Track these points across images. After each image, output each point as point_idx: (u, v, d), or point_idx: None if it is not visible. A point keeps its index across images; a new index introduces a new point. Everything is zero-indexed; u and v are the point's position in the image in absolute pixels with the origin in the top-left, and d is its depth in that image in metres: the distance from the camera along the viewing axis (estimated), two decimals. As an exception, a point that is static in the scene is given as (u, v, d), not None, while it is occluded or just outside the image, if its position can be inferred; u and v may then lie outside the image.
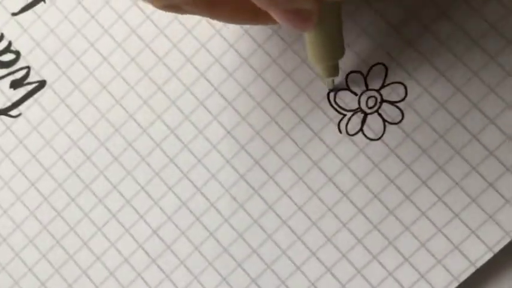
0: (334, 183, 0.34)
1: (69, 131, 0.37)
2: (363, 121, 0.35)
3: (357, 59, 0.35)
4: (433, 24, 0.34)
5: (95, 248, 0.36)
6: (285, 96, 0.35)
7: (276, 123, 0.35)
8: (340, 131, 0.35)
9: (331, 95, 0.35)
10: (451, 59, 0.34)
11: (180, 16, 0.36)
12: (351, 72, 0.35)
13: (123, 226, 0.36)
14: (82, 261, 0.36)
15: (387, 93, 0.34)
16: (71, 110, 0.37)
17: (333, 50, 0.31)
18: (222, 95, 0.36)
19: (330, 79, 0.34)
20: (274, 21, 0.26)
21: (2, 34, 0.38)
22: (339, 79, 0.35)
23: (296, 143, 0.35)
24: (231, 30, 0.36)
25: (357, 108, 0.35)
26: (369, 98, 0.35)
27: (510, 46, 0.33)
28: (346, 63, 0.35)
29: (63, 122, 0.37)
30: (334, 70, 0.33)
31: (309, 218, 0.35)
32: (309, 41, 0.30)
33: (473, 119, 0.33)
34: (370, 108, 0.35)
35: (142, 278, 0.36)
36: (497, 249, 0.33)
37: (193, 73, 0.36)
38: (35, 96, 0.37)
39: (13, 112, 0.38)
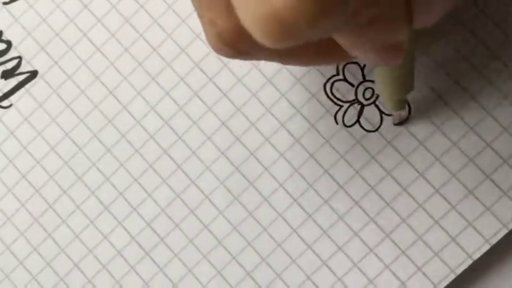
0: (330, 175, 0.35)
1: (61, 122, 0.37)
2: (360, 112, 0.35)
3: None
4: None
5: (87, 240, 0.36)
6: (281, 87, 0.35)
7: (272, 114, 0.35)
8: (336, 123, 0.35)
9: (328, 85, 0.35)
10: (449, 51, 0.34)
11: (174, 5, 0.36)
12: (348, 62, 0.35)
13: (115, 218, 0.36)
14: (74, 254, 0.36)
15: (384, 84, 0.34)
16: (63, 100, 0.37)
17: (404, 83, 0.31)
18: (216, 86, 0.36)
19: (397, 113, 0.33)
20: (350, 58, 0.26)
21: (-7, 23, 0.38)
22: (335, 73, 0.35)
23: (292, 135, 0.35)
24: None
25: (354, 100, 0.35)
26: (366, 89, 0.35)
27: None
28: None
29: (55, 113, 0.37)
30: (402, 104, 0.32)
31: (305, 211, 0.35)
32: (381, 73, 0.30)
33: (470, 110, 0.34)
34: (367, 99, 0.35)
35: (136, 271, 0.36)
36: (494, 241, 0.33)
37: (188, 64, 0.36)
38: (27, 86, 0.37)
39: (4, 103, 0.38)
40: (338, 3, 0.17)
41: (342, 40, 0.22)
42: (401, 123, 0.34)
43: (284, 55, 0.25)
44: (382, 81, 0.31)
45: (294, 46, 0.18)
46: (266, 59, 0.26)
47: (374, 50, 0.23)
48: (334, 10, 0.17)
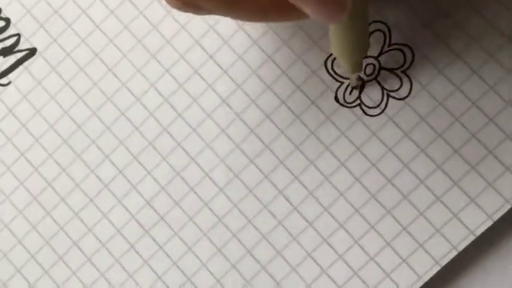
0: (332, 152, 0.35)
1: (60, 99, 0.37)
2: (361, 89, 0.35)
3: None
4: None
5: (86, 219, 0.37)
6: (281, 63, 0.35)
7: (272, 91, 0.35)
8: (337, 99, 0.35)
9: (329, 62, 0.35)
10: (450, 24, 0.34)
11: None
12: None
13: (115, 197, 0.36)
14: (73, 233, 0.37)
15: (385, 60, 0.34)
16: (62, 78, 0.37)
17: (360, 44, 0.31)
18: (217, 63, 0.36)
19: (354, 75, 0.34)
20: (300, 16, 0.26)
21: (-8, 1, 0.38)
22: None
23: (292, 112, 0.35)
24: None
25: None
26: (367, 65, 0.35)
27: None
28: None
29: (54, 90, 0.37)
30: (359, 65, 0.33)
31: (306, 188, 0.35)
32: (335, 34, 0.30)
33: (472, 85, 0.34)
34: (368, 75, 0.35)
35: (135, 249, 0.36)
36: (496, 216, 0.33)
37: (188, 41, 0.36)
38: (25, 64, 0.37)
39: (2, 80, 0.38)
40: None
41: None
42: (358, 86, 0.35)
43: (231, 7, 0.25)
44: (336, 42, 0.31)
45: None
46: (216, 12, 0.26)
47: (313, 3, 0.23)
48: None
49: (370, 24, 0.35)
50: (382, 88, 0.34)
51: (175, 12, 0.36)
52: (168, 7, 0.36)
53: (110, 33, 0.37)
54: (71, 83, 0.37)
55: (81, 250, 0.36)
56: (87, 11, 0.37)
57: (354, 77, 0.34)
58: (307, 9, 0.24)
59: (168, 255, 0.36)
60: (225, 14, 0.26)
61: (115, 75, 0.37)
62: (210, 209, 0.36)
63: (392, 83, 0.34)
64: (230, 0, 0.24)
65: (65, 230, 0.37)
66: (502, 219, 0.33)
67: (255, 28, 0.36)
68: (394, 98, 0.34)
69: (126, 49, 0.37)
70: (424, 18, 0.34)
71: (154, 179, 0.36)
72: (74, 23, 0.37)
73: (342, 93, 0.35)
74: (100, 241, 0.36)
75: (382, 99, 0.34)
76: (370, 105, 0.35)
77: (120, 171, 0.36)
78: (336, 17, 0.25)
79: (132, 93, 0.36)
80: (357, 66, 0.32)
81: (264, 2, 0.25)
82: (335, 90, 0.35)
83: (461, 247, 0.33)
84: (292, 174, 0.35)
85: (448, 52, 0.34)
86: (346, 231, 0.34)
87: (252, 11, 0.26)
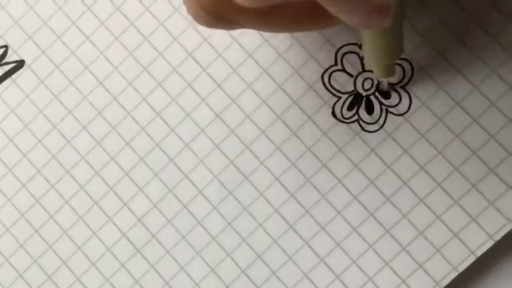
0: (329, 169, 0.34)
1: (49, 113, 0.37)
2: (359, 104, 0.34)
3: (353, 38, 0.34)
4: (435, 4, 0.34)
5: (75, 237, 0.36)
6: (277, 77, 0.35)
7: (267, 105, 0.35)
8: (334, 115, 0.35)
9: (326, 76, 0.35)
10: (451, 38, 0.34)
11: (166, -7, 0.36)
12: (346, 52, 0.35)
13: (105, 214, 0.36)
14: (62, 252, 0.36)
15: (384, 75, 0.34)
16: (50, 91, 0.37)
17: (395, 47, 0.30)
18: (210, 76, 0.35)
19: (386, 79, 0.33)
20: (332, 24, 0.25)
21: (-22, 11, 0.37)
22: (333, 64, 0.35)
23: (288, 127, 0.35)
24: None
25: (353, 91, 0.35)
26: (365, 79, 0.34)
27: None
28: (341, 43, 0.34)
29: (43, 104, 0.37)
30: (392, 69, 0.32)
31: (302, 206, 0.35)
32: (370, 39, 0.30)
33: (473, 101, 0.33)
34: (366, 90, 0.34)
35: (126, 268, 0.36)
36: (498, 236, 0.33)
37: (181, 53, 0.36)
38: (13, 76, 0.37)
39: (-11, 93, 0.37)
40: None
41: (326, 3, 0.22)
42: (388, 92, 0.34)
43: (264, 19, 0.24)
44: (371, 47, 0.30)
45: (274, 7, 0.17)
46: (247, 26, 0.25)
47: (361, 14, 0.23)
48: None
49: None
50: (381, 103, 0.34)
51: (168, 23, 0.36)
52: (188, 18, 0.35)
53: (100, 45, 0.36)
54: (60, 97, 0.37)
55: (70, 270, 0.36)
56: (76, 23, 0.37)
57: (385, 81, 0.33)
58: (352, 20, 0.24)
59: (159, 274, 0.35)
60: (258, 27, 0.26)
61: (106, 88, 0.36)
62: (204, 227, 0.35)
63: (391, 99, 0.34)
64: (265, 12, 0.24)
65: (53, 249, 0.36)
66: (504, 239, 0.33)
67: (250, 41, 0.35)
68: (393, 113, 0.34)
69: (117, 62, 0.36)
70: (424, 32, 0.34)
71: (146, 196, 0.36)
72: (64, 35, 0.37)
73: (340, 108, 0.35)
74: (90, 260, 0.36)
75: (380, 115, 0.34)
76: (368, 121, 0.34)
77: (111, 188, 0.36)
78: (382, 23, 0.24)
79: (123, 107, 0.36)
80: (391, 70, 0.32)
81: (300, 11, 0.25)
82: (332, 105, 0.35)
83: (461, 268, 0.33)
84: (288, 191, 0.35)
85: (448, 67, 0.34)
86: (343, 250, 0.34)
87: (286, 22, 0.25)
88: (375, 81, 0.34)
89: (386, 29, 0.28)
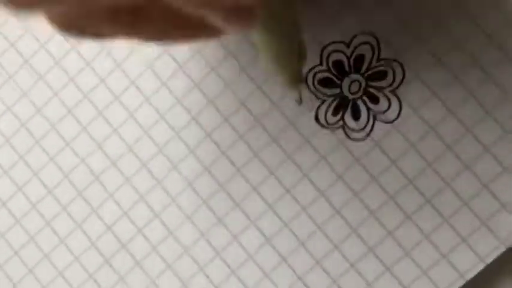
0: (310, 180, 0.34)
1: (17, 111, 0.37)
2: (344, 108, 0.34)
3: (339, 35, 0.34)
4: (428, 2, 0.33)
5: (42, 244, 0.36)
6: (256, 77, 0.34)
7: (246, 107, 0.34)
8: (318, 120, 0.34)
9: (310, 76, 0.34)
10: (446, 40, 0.32)
11: None
12: (333, 51, 0.34)
13: (74, 221, 0.36)
14: (27, 259, 0.36)
15: (373, 77, 0.33)
16: (20, 88, 0.37)
17: (290, 53, 0.29)
18: (187, 74, 0.35)
19: (295, 89, 0.32)
20: (209, 34, 0.25)
21: None
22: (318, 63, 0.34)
23: (268, 132, 0.34)
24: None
25: (338, 93, 0.34)
26: (352, 82, 0.34)
27: None
28: (328, 40, 0.34)
29: (11, 101, 0.37)
30: (297, 77, 0.30)
31: (281, 219, 0.34)
32: (261, 45, 0.29)
33: (468, 109, 0.32)
34: (353, 94, 0.34)
35: (94, 279, 0.36)
36: (489, 259, 0.32)
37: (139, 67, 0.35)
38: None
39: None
40: None
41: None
42: (300, 102, 0.33)
43: (129, 30, 0.24)
44: (267, 55, 0.29)
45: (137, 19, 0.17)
46: (118, 37, 0.24)
47: (216, 15, 0.22)
48: None
49: (356, 36, 0.33)
50: (368, 109, 0.33)
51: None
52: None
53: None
54: (29, 94, 0.36)
55: (36, 278, 0.36)
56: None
57: (295, 91, 0.32)
58: (213, 20, 0.23)
59: (129, 286, 0.35)
60: (128, 37, 0.25)
61: (76, 85, 0.36)
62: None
63: (379, 104, 0.33)
64: (131, 24, 0.24)
65: (19, 255, 0.36)
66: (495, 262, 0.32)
67: (230, 41, 0.34)
68: (381, 120, 0.33)
69: (90, 57, 0.36)
70: (417, 32, 0.33)
71: (116, 203, 0.35)
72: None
73: (324, 113, 0.34)
74: (56, 268, 0.36)
75: (367, 122, 0.33)
76: (354, 128, 0.33)
77: (80, 193, 0.36)
78: (245, 25, 0.24)
79: (95, 106, 0.36)
80: (296, 78, 0.30)
81: (166, 22, 0.24)
82: (315, 108, 0.34)
83: (469, 275, 0.32)
84: (266, 203, 0.34)
85: (442, 71, 0.33)
86: (324, 270, 0.34)
87: (154, 33, 0.25)
88: (363, 84, 0.33)
89: (277, 32, 0.27)
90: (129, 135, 0.35)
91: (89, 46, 0.36)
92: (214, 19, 0.23)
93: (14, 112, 0.37)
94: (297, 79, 0.31)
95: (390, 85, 0.33)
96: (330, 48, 0.34)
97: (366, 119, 0.33)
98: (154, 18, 0.24)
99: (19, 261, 0.36)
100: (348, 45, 0.34)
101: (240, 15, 0.23)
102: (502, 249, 0.32)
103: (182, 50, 0.35)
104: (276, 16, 0.27)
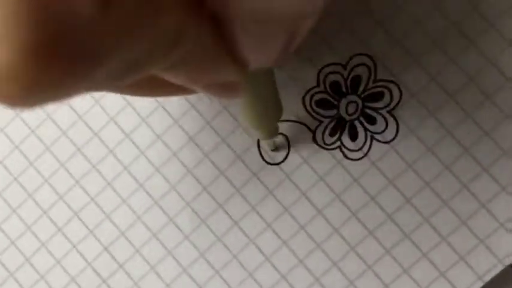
0: (308, 199, 0.34)
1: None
2: (342, 129, 0.34)
3: (337, 58, 0.34)
4: (424, 19, 0.33)
5: (37, 264, 0.36)
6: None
7: (243, 128, 0.34)
8: (315, 140, 0.34)
9: (307, 98, 0.34)
10: (443, 60, 0.33)
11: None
12: (330, 73, 0.34)
13: (70, 242, 0.36)
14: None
15: (370, 98, 0.34)
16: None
17: (269, 112, 0.30)
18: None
19: (271, 140, 0.33)
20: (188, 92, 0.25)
21: None
22: (315, 85, 0.34)
23: (262, 157, 0.34)
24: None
25: (335, 114, 0.34)
26: (349, 103, 0.34)
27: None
28: (324, 63, 0.34)
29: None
30: (274, 131, 0.32)
31: (279, 237, 0.34)
32: (242, 106, 0.30)
33: (466, 129, 0.33)
34: (350, 114, 0.34)
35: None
36: (488, 278, 0.33)
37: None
38: None
39: None
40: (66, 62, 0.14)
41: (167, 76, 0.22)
42: (277, 148, 0.34)
43: (117, 90, 0.24)
44: (246, 115, 0.30)
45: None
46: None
47: (203, 90, 0.23)
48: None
49: (354, 56, 0.34)
50: (365, 129, 0.34)
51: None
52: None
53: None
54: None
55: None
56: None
57: (270, 142, 0.33)
58: (203, 91, 0.24)
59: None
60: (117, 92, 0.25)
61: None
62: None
63: (376, 124, 0.34)
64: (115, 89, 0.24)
65: (14, 277, 0.36)
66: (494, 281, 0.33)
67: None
68: (378, 140, 0.34)
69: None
70: (413, 52, 0.33)
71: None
72: None
73: (321, 133, 0.34)
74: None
75: (365, 142, 0.34)
76: (351, 148, 0.34)
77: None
78: (230, 97, 0.24)
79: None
80: (272, 132, 0.32)
81: (157, 85, 0.24)
82: (313, 129, 0.34)
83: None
84: (265, 222, 0.34)
85: (439, 91, 0.33)
86: (322, 285, 0.34)
87: (144, 93, 0.25)
88: (360, 105, 0.34)
89: (259, 95, 0.29)
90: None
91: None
92: (201, 91, 0.23)
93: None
94: (273, 133, 0.32)
95: (387, 106, 0.34)
96: (327, 69, 0.34)
97: (363, 140, 0.34)
98: (144, 86, 0.24)
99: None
100: (344, 67, 0.34)
101: (225, 89, 0.23)
102: (500, 267, 0.33)
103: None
104: (257, 81, 0.28)
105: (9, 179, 0.36)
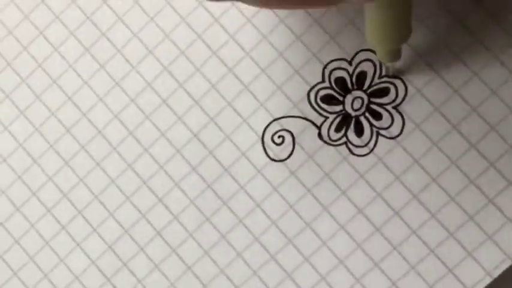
0: (314, 196, 0.34)
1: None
2: (347, 125, 0.34)
3: (341, 53, 0.34)
4: (429, 18, 0.33)
5: (41, 262, 0.36)
6: (260, 95, 0.34)
7: (248, 125, 0.34)
8: (321, 136, 0.34)
9: (312, 94, 0.34)
10: (448, 56, 0.33)
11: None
12: (335, 68, 0.34)
13: (74, 240, 0.36)
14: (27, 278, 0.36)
15: (375, 94, 0.34)
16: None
17: (400, 28, 0.29)
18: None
19: (390, 64, 0.33)
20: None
21: None
22: (320, 81, 0.34)
23: (267, 154, 0.34)
24: None
25: (341, 110, 0.34)
26: (354, 99, 0.34)
27: None
28: (329, 58, 0.34)
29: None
30: (397, 54, 0.31)
31: (284, 235, 0.34)
32: (372, 16, 0.29)
33: (471, 124, 0.33)
34: (355, 110, 0.34)
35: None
36: (496, 273, 0.32)
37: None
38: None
39: None
40: None
41: None
42: (395, 76, 0.34)
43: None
44: (372, 27, 0.29)
45: None
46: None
47: None
48: None
49: (357, 53, 0.34)
50: (371, 125, 0.34)
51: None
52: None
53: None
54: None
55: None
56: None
57: (391, 66, 0.33)
58: None
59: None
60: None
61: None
62: (178, 256, 0.35)
63: (382, 120, 0.34)
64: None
65: (18, 276, 0.36)
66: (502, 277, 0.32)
67: (230, 53, 0.35)
68: (384, 136, 0.34)
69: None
70: (419, 49, 0.33)
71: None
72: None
73: (327, 129, 0.34)
74: (55, 287, 0.36)
75: (370, 138, 0.34)
76: (357, 144, 0.34)
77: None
78: None
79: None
80: (395, 55, 0.31)
81: None
82: (319, 125, 0.34)
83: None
84: (270, 219, 0.34)
85: (444, 86, 0.33)
86: (328, 284, 0.34)
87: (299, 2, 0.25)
88: (365, 101, 0.34)
89: (390, 5, 0.27)
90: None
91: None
92: None
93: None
94: (396, 56, 0.31)
95: (393, 101, 0.34)
96: (332, 65, 0.34)
97: (369, 135, 0.34)
98: None
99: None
100: (350, 63, 0.34)
101: None
102: (509, 263, 0.32)
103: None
104: None
105: (13, 177, 0.36)
